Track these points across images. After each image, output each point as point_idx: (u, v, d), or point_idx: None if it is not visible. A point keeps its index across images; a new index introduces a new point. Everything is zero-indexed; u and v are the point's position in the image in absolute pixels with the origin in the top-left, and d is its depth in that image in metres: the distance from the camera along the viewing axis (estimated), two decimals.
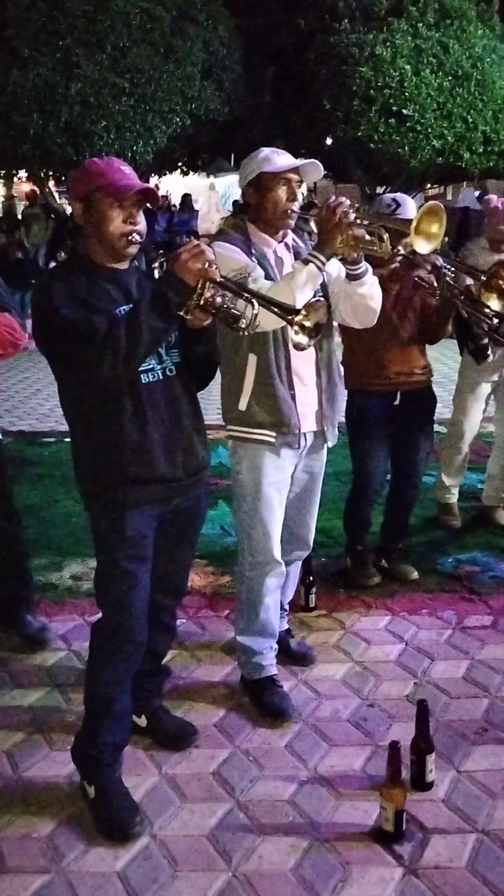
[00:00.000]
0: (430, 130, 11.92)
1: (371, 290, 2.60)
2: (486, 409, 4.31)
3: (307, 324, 2.08)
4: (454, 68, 11.95)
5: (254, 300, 2.02)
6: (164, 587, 2.42)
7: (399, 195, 3.42)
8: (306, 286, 2.35)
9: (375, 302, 2.65)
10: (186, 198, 15.96)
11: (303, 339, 2.10)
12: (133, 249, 2.16)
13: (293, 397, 2.61)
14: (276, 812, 2.29)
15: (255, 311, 2.01)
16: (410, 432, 3.57)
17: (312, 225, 2.53)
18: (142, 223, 2.15)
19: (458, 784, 2.38)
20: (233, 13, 13.27)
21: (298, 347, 2.17)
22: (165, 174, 15.21)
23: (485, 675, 2.95)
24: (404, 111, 11.72)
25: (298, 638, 3.19)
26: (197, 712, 2.75)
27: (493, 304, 3.13)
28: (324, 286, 2.61)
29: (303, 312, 2.07)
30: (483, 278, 3.23)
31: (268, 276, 2.50)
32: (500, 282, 2.99)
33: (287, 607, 3.11)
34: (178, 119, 12.00)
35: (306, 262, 2.39)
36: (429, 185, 15.99)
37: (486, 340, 3.86)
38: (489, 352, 3.88)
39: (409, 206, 3.32)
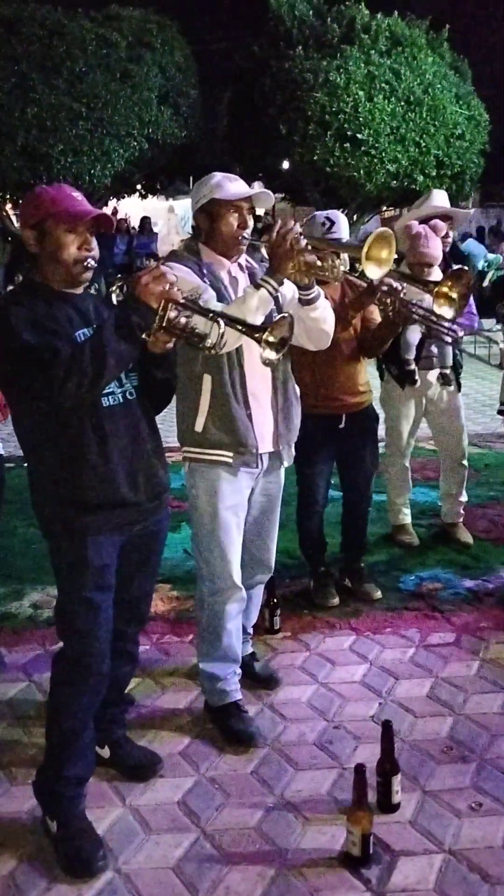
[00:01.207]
0: (384, 154, 12.16)
1: (324, 313, 2.63)
2: (418, 427, 4.34)
3: (272, 339, 2.09)
4: (406, 94, 12.23)
5: (219, 319, 2.03)
6: (126, 614, 2.39)
7: (332, 213, 3.45)
8: (258, 311, 2.36)
9: (328, 325, 2.67)
10: (145, 220, 16.00)
11: (271, 353, 2.11)
12: (88, 275, 2.16)
13: (249, 417, 2.61)
14: (242, 840, 2.26)
15: (221, 331, 2.01)
16: (356, 452, 3.62)
17: (264, 251, 2.54)
18: (96, 248, 2.15)
19: (424, 804, 2.38)
20: (188, 39, 13.44)
21: (267, 363, 2.17)
22: (124, 197, 15.23)
23: (448, 694, 2.96)
24: (359, 136, 11.94)
25: (263, 661, 3.18)
26: (161, 741, 2.71)
27: (446, 311, 3.18)
28: (279, 309, 2.60)
29: (268, 329, 2.08)
30: (435, 289, 3.29)
31: (222, 297, 2.50)
32: (447, 290, 3.04)
33: (251, 631, 3.10)
34: (135, 143, 12.08)
35: (258, 286, 2.40)
36: (385, 207, 16.30)
37: (412, 367, 3.92)
38: (416, 377, 3.93)
39: (342, 224, 3.37)
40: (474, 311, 4.24)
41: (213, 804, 2.41)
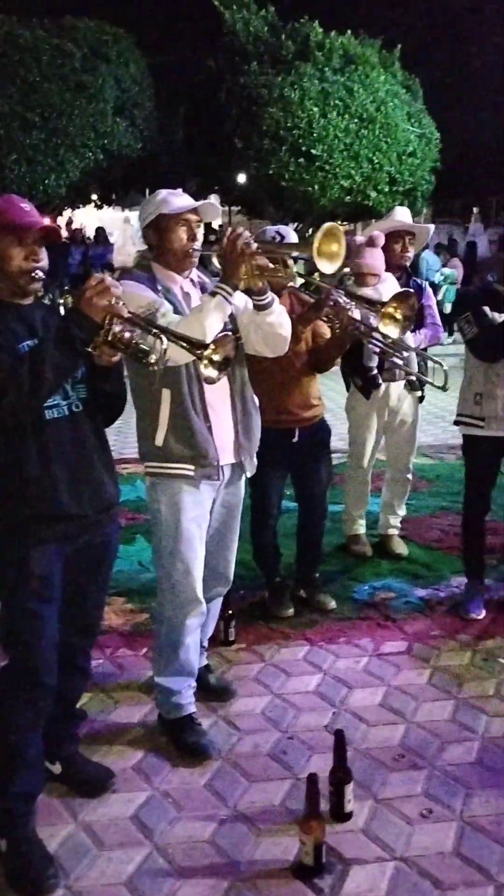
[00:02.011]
0: (338, 170, 12.35)
1: (280, 318, 2.64)
2: (380, 439, 4.39)
3: (216, 357, 2.11)
4: (359, 111, 12.45)
5: (162, 335, 2.04)
6: (76, 627, 2.37)
7: (282, 227, 3.47)
8: (215, 318, 2.38)
9: (285, 330, 2.69)
10: (101, 231, 15.95)
11: (212, 372, 2.13)
12: (36, 286, 2.15)
13: (209, 429, 2.61)
14: (195, 853, 2.25)
15: (164, 347, 2.02)
16: (311, 466, 3.65)
17: (215, 261, 2.56)
18: (44, 259, 2.14)
19: (376, 812, 2.40)
20: (144, 52, 13.49)
21: (208, 381, 2.19)
22: (79, 207, 15.17)
23: (400, 701, 3.00)
24: (313, 151, 12.11)
25: (218, 673, 3.17)
26: (114, 755, 2.69)
27: (391, 331, 3.24)
28: (233, 319, 2.64)
29: (211, 347, 2.10)
30: (382, 309, 3.35)
31: (175, 312, 2.51)
32: (393, 310, 3.10)
33: (206, 644, 3.09)
34: (90, 154, 12.06)
35: (213, 294, 2.42)
36: (340, 222, 16.52)
37: (374, 373, 3.98)
38: (379, 382, 3.98)
39: (292, 238, 3.39)
40: (439, 322, 4.33)
41: (166, 818, 2.40)
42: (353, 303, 3.38)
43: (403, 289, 3.62)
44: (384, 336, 3.27)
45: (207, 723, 2.86)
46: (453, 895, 2.09)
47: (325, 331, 3.53)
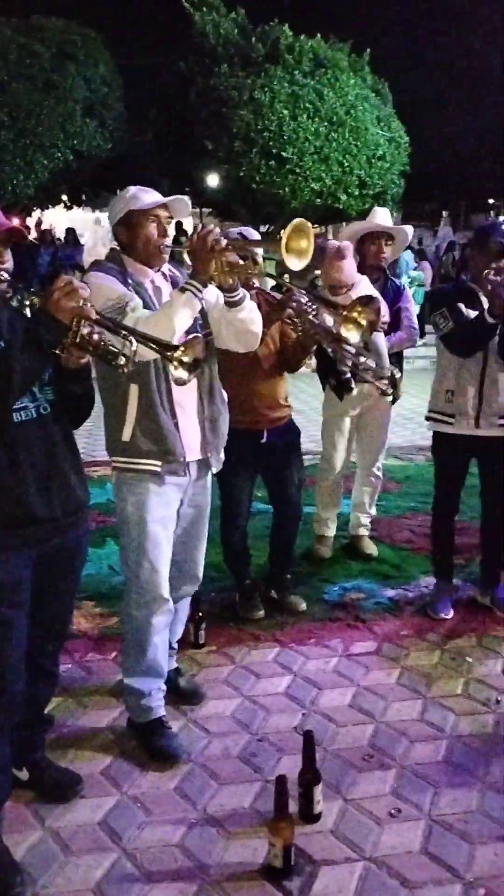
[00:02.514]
0: (308, 173, 12.39)
1: (251, 314, 2.65)
2: (353, 441, 4.39)
3: (186, 359, 2.10)
4: (329, 114, 12.51)
5: (131, 337, 2.02)
6: (44, 632, 2.34)
7: (245, 228, 3.46)
8: (184, 314, 2.38)
9: (257, 326, 2.70)
10: (71, 232, 15.85)
11: (182, 374, 2.12)
12: (1, 286, 2.13)
13: (176, 426, 2.61)
14: (164, 858, 2.24)
15: (133, 349, 2.01)
16: (282, 467, 3.65)
17: (186, 258, 2.55)
18: (9, 261, 2.12)
19: (345, 813, 2.41)
20: (113, 53, 13.44)
21: (178, 382, 2.18)
22: (48, 208, 15.06)
23: (370, 702, 3.01)
24: (283, 154, 12.14)
25: (188, 675, 3.16)
26: (82, 760, 2.67)
27: (352, 336, 3.25)
28: (204, 315, 2.64)
29: (181, 349, 2.09)
30: (344, 313, 3.36)
31: (147, 306, 2.51)
32: (356, 315, 3.11)
33: (176, 646, 3.08)
34: (59, 154, 11.98)
35: (183, 290, 2.42)
36: (311, 225, 16.57)
37: (348, 375, 4.00)
38: (352, 385, 4.01)
39: (255, 238, 3.38)
40: (415, 324, 4.34)
41: (134, 823, 2.38)
42: (317, 305, 3.39)
43: (366, 294, 3.64)
44: (343, 340, 3.28)
45: (177, 726, 2.85)
46: (421, 894, 2.11)
47: (292, 332, 3.53)
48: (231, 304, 2.59)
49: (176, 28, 13.67)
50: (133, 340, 2.02)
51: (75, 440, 2.34)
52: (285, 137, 12.11)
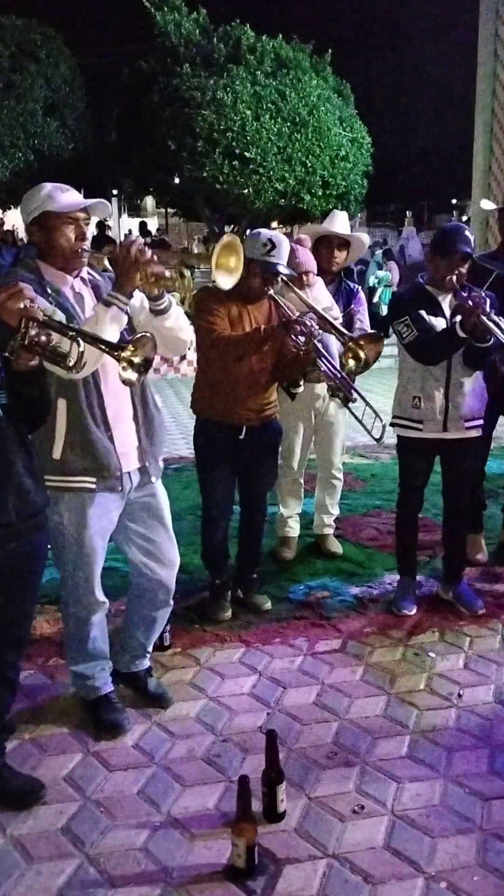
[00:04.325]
0: (272, 173, 12.42)
1: (178, 322, 2.60)
2: (311, 441, 4.39)
3: (135, 359, 2.09)
4: (292, 115, 12.56)
5: (79, 338, 2.01)
6: (3, 639, 2.32)
7: (276, 236, 3.38)
8: (112, 328, 2.32)
9: (185, 333, 2.65)
10: (10, 234, 15.68)
11: (131, 374, 2.10)
12: None
13: (111, 439, 2.55)
14: (127, 862, 2.23)
15: (80, 349, 1.99)
16: (256, 464, 3.64)
17: (107, 263, 2.49)
18: None
19: (309, 811, 2.42)
20: (75, 52, 13.34)
21: (128, 384, 2.16)
22: (10, 208, 14.88)
23: (334, 699, 3.03)
24: (247, 154, 12.16)
25: (158, 680, 3.13)
26: (44, 767, 2.64)
27: (349, 365, 3.31)
28: (130, 320, 2.56)
29: (130, 348, 2.07)
30: (350, 343, 3.41)
31: (68, 314, 2.42)
32: (359, 348, 3.16)
33: (150, 650, 3.07)
34: (20, 154, 11.87)
35: (108, 304, 2.34)
36: (276, 225, 16.61)
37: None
38: (300, 385, 4.01)
39: (283, 250, 3.34)
40: (367, 328, 4.34)
41: (97, 827, 2.36)
42: (322, 330, 3.40)
43: (375, 332, 3.69)
44: (343, 377, 3.34)
45: (141, 729, 2.84)
46: (384, 889, 2.12)
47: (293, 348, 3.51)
48: (157, 313, 2.54)
49: (137, 27, 13.63)
50: (80, 341, 2.00)
51: (31, 444, 2.31)
52: (248, 138, 12.13)
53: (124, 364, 2.08)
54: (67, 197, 2.44)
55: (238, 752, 2.71)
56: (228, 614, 3.69)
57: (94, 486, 2.55)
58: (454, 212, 24.43)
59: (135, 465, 2.67)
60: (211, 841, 2.29)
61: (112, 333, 2.31)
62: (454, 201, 24.69)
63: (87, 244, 2.50)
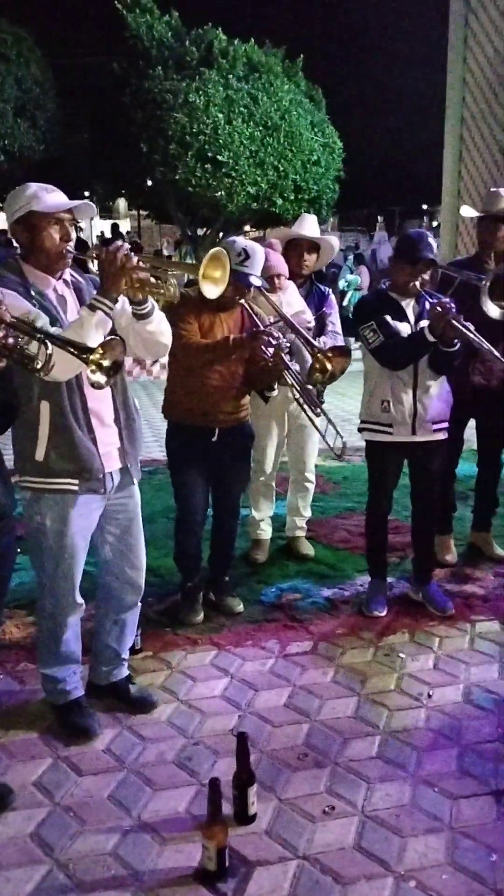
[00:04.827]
0: (244, 177, 12.43)
1: (160, 326, 2.61)
2: (283, 444, 4.41)
3: (104, 363, 2.08)
4: (264, 119, 12.59)
5: (47, 341, 2.00)
6: None
7: (251, 246, 3.40)
8: (97, 332, 2.32)
9: (166, 337, 2.67)
10: (3, 233, 15.54)
11: (100, 378, 2.10)
12: None
13: (94, 441, 2.56)
14: (97, 867, 2.21)
15: (48, 352, 1.98)
16: (228, 466, 3.64)
17: (90, 265, 2.50)
18: None
19: (280, 813, 2.42)
20: (46, 53, 13.25)
21: (96, 386, 2.16)
22: None
23: (305, 701, 3.03)
24: (219, 157, 12.16)
25: (138, 684, 3.11)
26: (14, 772, 2.61)
27: (317, 375, 3.35)
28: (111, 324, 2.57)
29: (99, 351, 2.07)
30: (318, 354, 3.45)
31: (51, 316, 2.42)
32: (327, 360, 3.19)
33: (126, 655, 3.05)
34: None
35: (93, 308, 2.34)
36: (248, 228, 16.64)
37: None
38: (274, 388, 4.03)
39: (258, 259, 3.37)
40: (339, 331, 4.38)
41: (67, 833, 2.34)
42: (293, 337, 3.42)
43: (344, 346, 3.73)
44: (305, 389, 3.37)
45: (112, 733, 2.82)
46: (354, 889, 2.13)
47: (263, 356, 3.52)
48: (139, 317, 2.54)
49: (109, 29, 13.58)
50: (48, 343, 1.99)
51: None
52: (221, 141, 12.14)
53: (93, 367, 2.08)
54: (53, 197, 2.45)
55: (209, 755, 2.71)
56: (200, 617, 3.69)
57: (76, 487, 2.55)
58: (425, 217, 24.70)
59: (117, 465, 2.68)
60: (182, 844, 2.29)
61: (97, 338, 2.30)
62: (425, 207, 24.95)
63: (71, 245, 2.49)
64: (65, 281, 2.59)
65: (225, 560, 3.88)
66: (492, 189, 4.21)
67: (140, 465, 2.84)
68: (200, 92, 12.12)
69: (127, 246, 2.37)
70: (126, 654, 3.05)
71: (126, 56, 12.77)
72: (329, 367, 3.52)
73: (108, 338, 2.17)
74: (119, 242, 2.37)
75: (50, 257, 2.48)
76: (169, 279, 2.42)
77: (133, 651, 3.38)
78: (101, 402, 2.58)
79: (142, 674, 3.25)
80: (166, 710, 2.99)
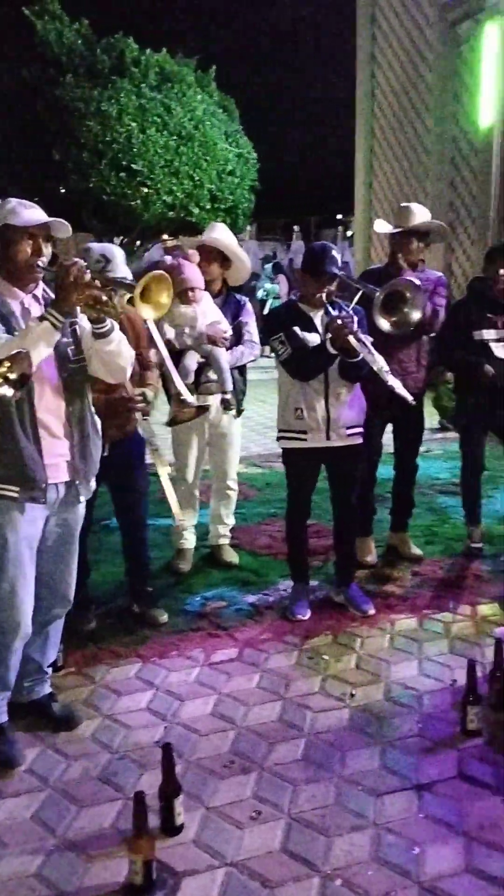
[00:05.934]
0: (159, 186, 12.40)
1: (119, 347, 2.65)
2: (204, 452, 4.40)
3: (11, 376, 2.06)
4: (178, 129, 12.59)
5: None
6: None
7: (108, 249, 3.38)
8: (40, 343, 2.35)
9: (124, 359, 2.71)
10: None
11: (7, 391, 2.08)
12: None
13: (39, 451, 2.56)
14: (21, 889, 2.16)
15: None
16: (124, 476, 3.62)
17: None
18: None
19: (207, 821, 2.42)
20: None
21: (2, 400, 2.14)
22: None
23: (231, 708, 3.04)
24: (134, 166, 12.10)
25: (61, 701, 3.05)
26: None
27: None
28: (77, 342, 2.63)
29: (6, 364, 2.05)
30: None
31: (9, 327, 2.45)
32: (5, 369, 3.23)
33: (49, 670, 3.00)
34: None
35: (41, 318, 2.38)
36: (166, 237, 16.58)
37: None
38: (191, 400, 4.02)
39: (119, 260, 3.31)
40: (256, 339, 4.41)
41: None
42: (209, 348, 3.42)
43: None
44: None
45: (34, 752, 2.76)
46: (281, 891, 2.15)
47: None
48: (98, 336, 2.58)
49: (18, 34, 13.32)
50: None
51: None
52: (135, 150, 12.07)
53: (0, 380, 2.05)
54: (29, 213, 2.51)
55: (135, 769, 2.68)
56: (92, 625, 3.67)
57: (16, 494, 2.53)
58: (339, 227, 25.18)
59: (64, 477, 2.67)
60: (108, 861, 2.26)
61: (41, 349, 2.33)
62: (339, 216, 25.44)
63: (42, 260, 2.53)
64: (35, 296, 2.62)
65: (141, 570, 3.86)
66: (402, 204, 4.33)
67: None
68: (113, 100, 12.04)
69: (82, 263, 2.40)
70: (49, 670, 3.00)
71: (36, 63, 12.57)
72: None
73: (16, 351, 2.15)
74: (75, 259, 2.39)
75: (20, 269, 2.53)
76: (114, 299, 2.45)
77: (56, 668, 3.32)
78: (50, 415, 2.59)
79: (65, 691, 3.19)
80: (90, 725, 2.95)
